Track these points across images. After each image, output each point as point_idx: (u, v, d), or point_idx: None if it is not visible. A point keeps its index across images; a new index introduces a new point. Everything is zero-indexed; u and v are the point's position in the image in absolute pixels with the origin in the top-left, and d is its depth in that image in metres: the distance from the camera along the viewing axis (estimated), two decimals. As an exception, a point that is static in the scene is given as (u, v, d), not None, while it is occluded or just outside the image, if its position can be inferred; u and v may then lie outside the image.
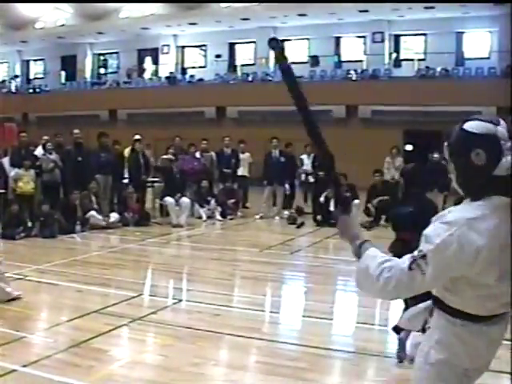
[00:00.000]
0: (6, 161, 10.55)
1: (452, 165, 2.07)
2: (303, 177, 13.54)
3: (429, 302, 2.19)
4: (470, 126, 1.98)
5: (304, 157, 13.65)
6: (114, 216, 10.66)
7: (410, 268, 1.95)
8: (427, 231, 1.99)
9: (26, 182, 10.11)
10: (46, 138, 11.69)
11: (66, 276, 6.69)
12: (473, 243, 1.88)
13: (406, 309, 5.04)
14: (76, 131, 10.97)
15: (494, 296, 2.01)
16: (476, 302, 2.03)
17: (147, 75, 27.12)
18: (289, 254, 8.48)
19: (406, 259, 1.99)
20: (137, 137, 12.12)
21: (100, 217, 10.37)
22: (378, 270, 2.06)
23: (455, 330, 2.08)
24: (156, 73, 26.89)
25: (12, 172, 10.22)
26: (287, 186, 12.55)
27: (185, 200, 11.20)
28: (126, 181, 11.63)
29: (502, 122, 1.99)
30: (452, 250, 1.89)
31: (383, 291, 2.04)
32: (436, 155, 12.04)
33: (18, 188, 10.08)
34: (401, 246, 4.33)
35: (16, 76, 30.00)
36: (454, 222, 1.91)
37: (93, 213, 10.33)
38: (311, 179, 13.28)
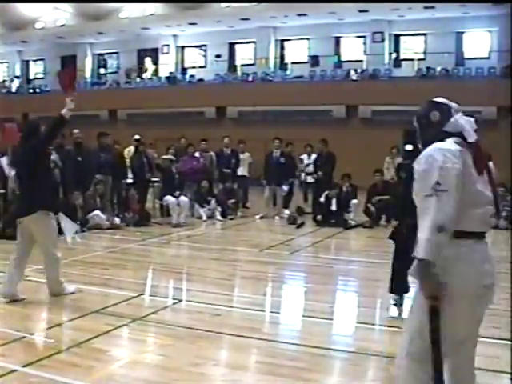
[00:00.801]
0: (4, 160, 10.54)
1: (417, 124, 3.17)
2: (303, 176, 13.56)
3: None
4: (433, 99, 3.12)
5: (304, 157, 13.67)
6: (116, 220, 10.67)
7: (435, 195, 2.60)
8: (416, 172, 2.77)
9: (26, 182, 10.10)
10: None
11: (66, 276, 6.67)
12: (452, 150, 2.71)
13: (393, 274, 5.44)
14: (76, 131, 10.96)
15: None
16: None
17: (147, 75, 27.12)
18: (289, 253, 8.48)
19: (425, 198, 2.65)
20: (136, 137, 12.12)
21: (104, 216, 10.36)
22: (422, 230, 2.61)
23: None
24: (156, 73, 26.89)
25: (12, 172, 10.21)
26: (284, 187, 12.55)
27: (183, 199, 11.23)
28: (127, 181, 11.64)
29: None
30: (445, 163, 2.65)
31: (436, 221, 2.58)
32: None
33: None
34: (404, 230, 4.75)
35: (17, 77, 30.00)
36: (431, 153, 2.73)
37: (97, 212, 10.32)
38: (311, 179, 13.29)
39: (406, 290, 5.54)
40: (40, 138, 5.97)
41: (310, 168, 13.36)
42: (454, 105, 3.03)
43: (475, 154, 2.79)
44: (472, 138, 2.80)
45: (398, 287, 5.58)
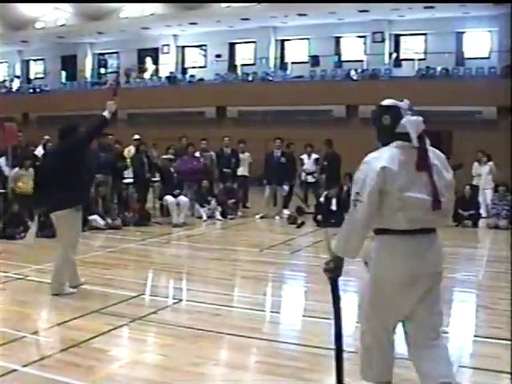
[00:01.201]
0: (2, 160, 10.55)
1: (373, 126, 3.30)
2: (303, 176, 13.53)
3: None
4: (383, 102, 3.34)
5: (304, 157, 13.64)
6: (117, 222, 10.66)
7: (354, 205, 3.02)
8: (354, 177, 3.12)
9: (25, 181, 10.11)
10: (47, 137, 11.69)
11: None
12: (376, 167, 2.98)
13: None
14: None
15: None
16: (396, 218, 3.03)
17: (146, 75, 27.12)
18: (289, 253, 8.48)
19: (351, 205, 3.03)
20: (136, 136, 12.12)
21: (102, 222, 10.35)
22: (344, 226, 3.13)
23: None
24: (156, 73, 26.88)
25: (12, 171, 10.21)
26: (285, 187, 12.55)
27: (183, 199, 11.23)
28: (128, 180, 11.64)
29: (405, 100, 3.32)
30: (367, 177, 2.99)
31: (355, 227, 3.07)
32: None
33: (18, 188, 10.08)
34: None
35: (17, 76, 30.00)
36: (365, 162, 3.10)
37: (95, 217, 10.33)
38: (311, 179, 13.28)
39: None
40: (78, 137, 6.14)
41: (309, 168, 13.35)
42: (402, 104, 3.23)
43: (419, 153, 3.07)
44: (415, 142, 3.08)
45: None
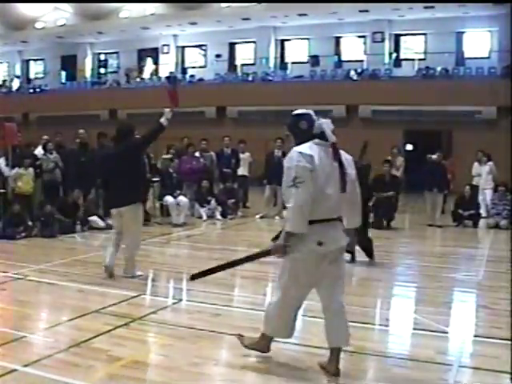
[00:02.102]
0: (1, 161, 10.55)
1: (290, 133, 3.86)
2: None
3: None
4: (296, 111, 3.87)
5: None
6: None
7: (296, 187, 3.54)
8: (284, 169, 3.66)
9: (25, 181, 10.11)
10: (46, 137, 11.67)
11: (67, 276, 6.70)
12: (306, 155, 3.58)
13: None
14: (81, 131, 10.91)
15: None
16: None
17: (146, 75, 27.11)
18: (289, 253, 8.47)
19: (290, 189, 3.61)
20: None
21: (102, 223, 10.35)
22: (293, 206, 3.58)
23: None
24: (156, 73, 26.88)
25: (12, 171, 10.21)
26: None
27: (183, 199, 11.23)
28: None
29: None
30: (299, 162, 3.55)
31: (306, 203, 3.57)
32: (434, 156, 12.00)
33: (17, 188, 10.08)
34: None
35: (17, 76, 30.00)
36: (295, 151, 3.64)
37: (94, 218, 10.34)
38: None
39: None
40: (135, 141, 6.94)
41: None
42: (312, 112, 3.84)
43: (334, 147, 3.70)
44: (331, 138, 3.70)
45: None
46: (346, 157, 3.83)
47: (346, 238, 3.85)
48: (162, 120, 6.73)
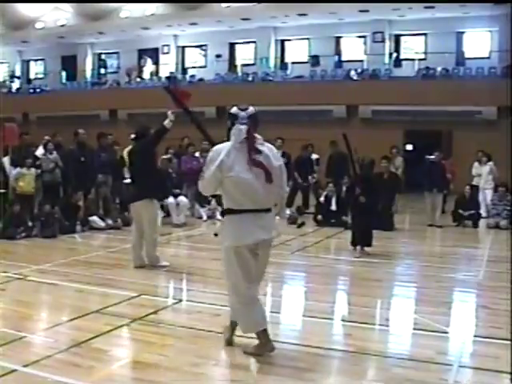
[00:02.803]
0: (6, 160, 10.54)
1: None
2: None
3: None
4: (231, 109, 4.26)
5: None
6: (118, 223, 10.66)
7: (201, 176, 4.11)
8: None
9: (27, 181, 10.11)
10: (47, 137, 11.65)
11: (67, 276, 6.70)
12: (216, 156, 4.03)
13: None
14: (81, 131, 10.90)
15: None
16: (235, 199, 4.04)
17: (146, 75, 27.10)
18: (289, 253, 8.48)
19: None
20: (133, 136, 12.06)
21: (102, 223, 10.35)
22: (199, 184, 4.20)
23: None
24: (156, 73, 26.88)
25: (14, 171, 10.22)
26: (287, 188, 12.50)
27: (183, 199, 11.23)
28: (128, 181, 11.62)
29: (251, 108, 4.27)
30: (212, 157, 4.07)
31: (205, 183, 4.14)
32: (432, 156, 11.99)
33: (19, 188, 10.07)
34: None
35: (17, 77, 30.00)
36: (213, 150, 4.16)
37: (94, 218, 10.34)
38: (311, 179, 13.22)
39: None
40: (147, 140, 7.36)
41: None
42: (242, 114, 4.18)
43: (248, 150, 4.03)
44: (235, 145, 4.06)
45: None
46: (270, 149, 4.20)
47: (270, 231, 4.12)
48: (166, 122, 7.08)
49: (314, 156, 13.46)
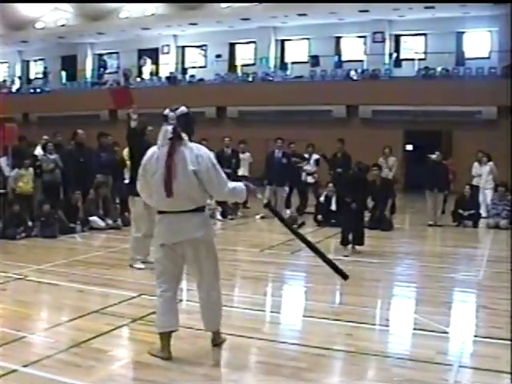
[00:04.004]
0: (2, 160, 10.54)
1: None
2: (303, 176, 13.36)
3: None
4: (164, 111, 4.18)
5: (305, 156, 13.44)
6: (117, 223, 10.65)
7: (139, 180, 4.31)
8: None
9: (25, 181, 10.10)
10: (45, 137, 11.65)
11: (67, 276, 6.70)
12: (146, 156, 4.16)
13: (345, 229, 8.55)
14: (80, 131, 10.89)
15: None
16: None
17: (145, 75, 27.08)
18: (289, 253, 8.47)
19: None
20: None
21: (102, 223, 10.34)
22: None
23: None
24: (156, 73, 26.88)
25: (12, 172, 10.21)
26: (286, 188, 12.52)
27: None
28: (128, 181, 11.61)
29: (182, 108, 4.18)
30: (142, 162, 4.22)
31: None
32: (434, 155, 11.97)
33: (18, 188, 10.07)
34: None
35: (19, 77, 30.00)
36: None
37: (94, 218, 10.34)
38: (311, 179, 13.20)
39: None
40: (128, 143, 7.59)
41: (310, 168, 13.21)
42: (171, 115, 4.10)
43: (169, 145, 3.99)
44: (160, 144, 4.06)
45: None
46: (197, 149, 4.08)
47: (195, 231, 4.05)
48: (131, 123, 7.29)
49: (315, 156, 13.43)
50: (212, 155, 4.16)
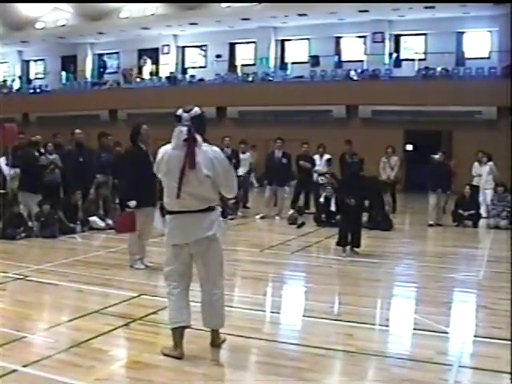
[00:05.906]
0: (1, 160, 10.53)
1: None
2: (315, 177, 13.06)
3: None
4: (177, 111, 4.12)
5: (316, 157, 12.95)
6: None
7: None
8: None
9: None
10: (38, 137, 11.48)
11: (67, 276, 6.69)
12: (159, 156, 4.13)
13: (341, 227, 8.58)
14: (78, 131, 10.88)
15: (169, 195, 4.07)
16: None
17: (145, 75, 27.09)
18: (289, 253, 8.48)
19: None
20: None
21: (102, 224, 10.35)
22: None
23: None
24: (156, 73, 26.88)
25: (11, 171, 10.20)
26: (286, 188, 12.50)
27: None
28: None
29: (195, 109, 4.15)
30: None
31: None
32: (437, 156, 11.96)
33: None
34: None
35: (19, 77, 30.00)
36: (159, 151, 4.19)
37: (94, 218, 10.34)
38: (323, 180, 12.86)
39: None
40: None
41: (321, 169, 12.85)
42: (185, 116, 4.06)
43: (186, 153, 3.94)
44: (174, 146, 4.03)
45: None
46: (209, 151, 4.03)
47: (207, 230, 4.06)
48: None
49: (326, 156, 13.35)
50: (224, 156, 4.19)
